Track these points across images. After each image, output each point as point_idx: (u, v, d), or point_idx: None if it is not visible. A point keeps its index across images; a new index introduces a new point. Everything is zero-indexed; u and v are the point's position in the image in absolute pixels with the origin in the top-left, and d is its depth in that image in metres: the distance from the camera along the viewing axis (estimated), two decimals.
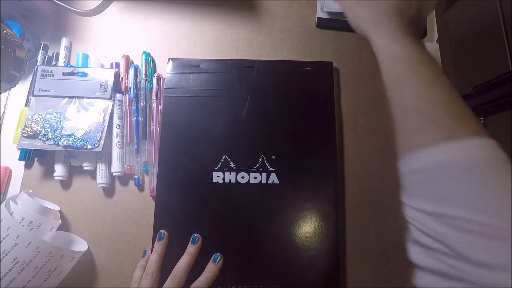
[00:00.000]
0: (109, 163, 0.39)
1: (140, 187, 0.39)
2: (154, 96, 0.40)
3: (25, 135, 0.37)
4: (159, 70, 0.43)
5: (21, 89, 0.41)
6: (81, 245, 0.37)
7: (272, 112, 0.40)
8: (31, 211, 0.34)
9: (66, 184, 0.39)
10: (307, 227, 0.36)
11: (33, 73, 0.40)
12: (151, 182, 0.39)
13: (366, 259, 0.37)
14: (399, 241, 0.38)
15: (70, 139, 0.37)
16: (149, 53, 0.43)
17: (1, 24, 0.34)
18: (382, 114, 0.41)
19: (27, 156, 0.38)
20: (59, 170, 0.38)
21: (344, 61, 0.43)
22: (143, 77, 0.41)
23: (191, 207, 0.37)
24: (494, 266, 0.18)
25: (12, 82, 0.35)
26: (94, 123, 0.38)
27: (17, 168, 0.40)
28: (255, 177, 0.37)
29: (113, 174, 0.39)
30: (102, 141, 0.37)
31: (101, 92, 0.39)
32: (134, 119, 0.40)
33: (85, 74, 0.39)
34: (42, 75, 0.39)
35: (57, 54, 0.42)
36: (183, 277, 0.34)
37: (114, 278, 0.37)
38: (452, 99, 0.24)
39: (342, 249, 0.37)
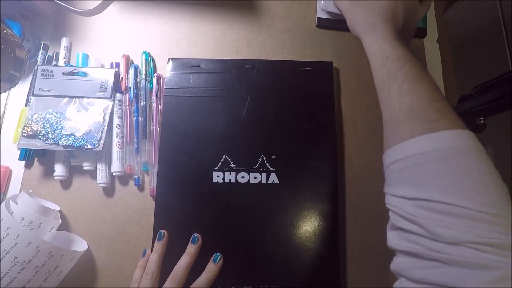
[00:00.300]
0: (109, 163, 0.39)
1: (140, 187, 0.39)
2: (154, 96, 0.40)
3: (25, 134, 0.37)
4: (159, 70, 0.43)
5: (21, 89, 0.41)
6: (81, 245, 0.37)
7: (272, 112, 0.40)
8: (31, 211, 0.34)
9: (66, 184, 0.39)
10: (307, 227, 0.36)
11: (33, 73, 0.40)
12: (151, 182, 0.39)
13: (366, 259, 0.37)
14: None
15: (70, 138, 0.37)
16: (149, 53, 0.43)
17: (1, 24, 0.34)
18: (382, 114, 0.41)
19: (27, 156, 0.38)
20: (59, 170, 0.38)
21: (344, 61, 0.43)
22: (143, 77, 0.41)
23: (191, 207, 0.37)
24: (460, 242, 0.19)
25: (12, 82, 0.35)
26: (94, 123, 0.38)
27: (17, 168, 0.40)
28: (255, 177, 0.37)
29: (113, 174, 0.39)
30: (102, 141, 0.37)
31: (101, 92, 0.39)
32: (134, 119, 0.40)
33: (85, 74, 0.39)
34: (42, 75, 0.39)
35: (57, 54, 0.42)
36: (183, 277, 0.34)
37: (114, 278, 0.37)
38: (435, 95, 0.25)
39: (342, 249, 0.37)
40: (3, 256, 0.31)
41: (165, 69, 0.41)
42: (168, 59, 0.42)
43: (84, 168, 0.38)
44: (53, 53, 0.42)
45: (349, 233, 0.38)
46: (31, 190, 0.38)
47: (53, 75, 0.39)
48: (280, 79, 0.41)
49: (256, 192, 0.37)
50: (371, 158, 0.40)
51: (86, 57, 0.42)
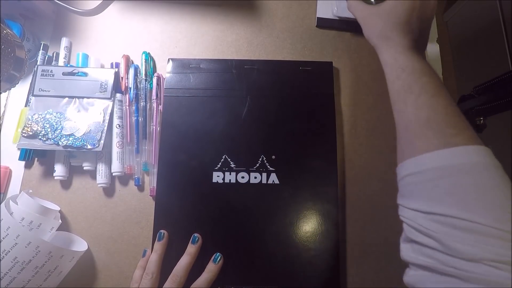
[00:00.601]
0: (109, 163, 0.39)
1: (140, 187, 0.39)
2: (154, 96, 0.40)
3: (25, 135, 0.37)
4: (159, 70, 0.43)
5: (21, 89, 0.41)
6: (81, 245, 0.37)
7: (272, 112, 0.40)
8: (31, 211, 0.34)
9: (66, 184, 0.39)
10: (307, 227, 0.36)
11: (33, 73, 0.40)
12: (151, 182, 0.39)
13: (366, 259, 0.37)
14: (399, 241, 0.38)
15: (70, 139, 0.37)
16: (149, 53, 0.43)
17: (1, 24, 0.34)
18: (382, 114, 0.41)
19: (27, 156, 0.38)
20: (59, 170, 0.38)
21: (344, 61, 0.43)
22: (143, 77, 0.41)
23: (191, 207, 0.37)
24: (478, 259, 0.19)
25: (12, 82, 0.35)
26: (94, 123, 0.38)
27: (17, 168, 0.40)
28: (255, 177, 0.37)
29: (113, 174, 0.39)
30: (102, 141, 0.37)
31: (101, 92, 0.39)
32: (134, 119, 0.40)
33: (85, 74, 0.39)
34: (42, 75, 0.39)
35: (57, 54, 0.42)
36: (183, 277, 0.34)
37: (114, 278, 0.37)
38: (452, 109, 0.25)
39: (342, 249, 0.37)
40: (3, 256, 0.31)
41: (165, 69, 0.41)
42: (168, 59, 0.42)
43: (84, 168, 0.38)
44: (53, 53, 0.42)
45: (349, 233, 0.38)
46: (31, 190, 0.38)
47: (53, 75, 0.39)
48: (280, 79, 0.41)
49: (256, 192, 0.37)
50: (371, 158, 0.40)
51: (86, 57, 0.42)
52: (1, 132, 0.41)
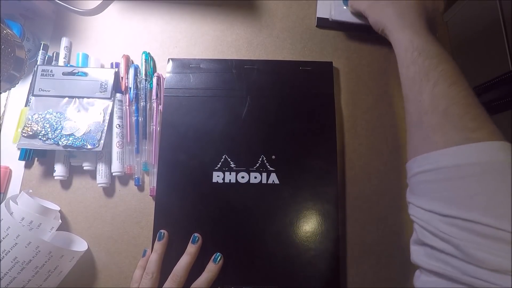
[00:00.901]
0: (109, 163, 0.39)
1: (140, 187, 0.39)
2: (154, 96, 0.40)
3: (25, 135, 0.37)
4: (159, 70, 0.43)
5: (21, 89, 0.41)
6: (81, 245, 0.37)
7: (272, 112, 0.40)
8: (31, 211, 0.34)
9: (66, 184, 0.39)
10: (307, 227, 0.36)
11: (33, 73, 0.40)
12: (151, 182, 0.39)
13: (366, 259, 0.37)
14: (399, 241, 0.38)
15: (70, 139, 0.37)
16: (149, 53, 0.43)
17: (1, 24, 0.34)
18: (382, 114, 0.41)
19: (27, 156, 0.38)
20: (59, 170, 0.38)
21: (344, 61, 0.43)
22: (143, 77, 0.41)
23: (191, 207, 0.37)
24: (504, 270, 0.18)
25: (12, 82, 0.35)
26: (94, 123, 0.38)
27: (17, 168, 0.40)
28: (255, 177, 0.37)
29: (113, 174, 0.39)
30: (102, 141, 0.37)
31: (101, 92, 0.39)
32: (134, 119, 0.40)
33: (85, 74, 0.39)
34: (42, 75, 0.39)
35: (57, 54, 0.42)
36: (183, 277, 0.34)
37: (114, 278, 0.37)
38: (472, 100, 0.23)
39: (342, 249, 0.37)
40: (3, 256, 0.31)
41: (165, 69, 0.41)
42: (168, 59, 0.42)
43: (84, 168, 0.38)
44: (53, 53, 0.42)
45: (349, 233, 0.38)
46: (31, 190, 0.38)
47: (53, 75, 0.39)
48: (280, 79, 0.41)
49: (256, 192, 0.37)
50: (371, 158, 0.40)
51: (86, 57, 0.42)
52: (1, 132, 0.41)
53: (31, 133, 0.37)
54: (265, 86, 0.40)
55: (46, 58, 0.42)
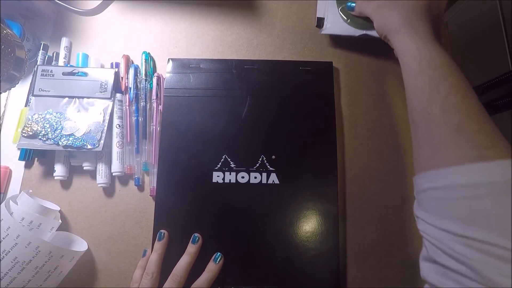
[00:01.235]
0: (109, 163, 0.39)
1: (140, 187, 0.39)
2: (154, 96, 0.40)
3: (25, 135, 0.37)
4: (159, 70, 0.43)
5: (21, 89, 0.41)
6: (81, 245, 0.37)
7: (272, 112, 0.40)
8: (31, 211, 0.34)
9: (66, 184, 0.39)
10: (307, 227, 0.36)
11: (33, 73, 0.40)
12: (151, 182, 0.39)
13: (366, 259, 0.37)
14: (399, 241, 0.38)
15: (70, 139, 0.37)
16: (149, 53, 0.43)
17: (1, 24, 0.34)
18: (382, 114, 0.41)
19: (27, 156, 0.38)
20: (59, 170, 0.38)
21: (344, 61, 0.43)
22: (143, 77, 0.41)
23: (191, 207, 0.37)
24: None
25: (12, 82, 0.35)
26: (94, 123, 0.38)
27: (17, 168, 0.40)
28: (255, 177, 0.37)
29: (113, 174, 0.39)
30: (102, 141, 0.37)
31: (101, 92, 0.39)
32: (134, 119, 0.40)
33: (85, 74, 0.39)
34: (42, 75, 0.39)
35: (57, 54, 0.42)
36: (183, 277, 0.34)
37: (114, 278, 0.37)
38: (484, 114, 0.22)
39: (342, 249, 0.37)
40: (3, 257, 0.31)
41: (165, 69, 0.41)
42: (168, 59, 0.42)
43: (84, 168, 0.38)
44: (53, 53, 0.42)
45: (349, 233, 0.38)
46: (31, 190, 0.38)
47: (53, 75, 0.39)
48: (280, 79, 0.41)
49: (256, 192, 0.37)
50: (371, 158, 0.40)
51: (86, 57, 0.42)
52: (1, 132, 0.41)
53: (31, 133, 0.37)
54: (265, 86, 0.40)
55: (46, 58, 0.42)
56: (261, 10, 0.45)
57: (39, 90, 0.39)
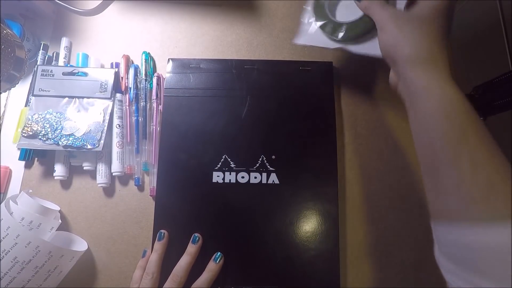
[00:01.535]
0: (109, 163, 0.39)
1: (140, 187, 0.39)
2: (154, 96, 0.40)
3: (25, 135, 0.37)
4: (159, 70, 0.43)
5: (21, 89, 0.41)
6: (81, 245, 0.37)
7: (272, 112, 0.40)
8: (31, 211, 0.34)
9: (66, 184, 0.39)
10: (307, 227, 0.36)
11: (33, 73, 0.40)
12: (151, 182, 0.39)
13: (366, 259, 0.37)
14: (399, 241, 0.38)
15: (70, 139, 0.37)
16: (149, 53, 0.43)
17: (1, 24, 0.34)
18: (382, 114, 0.41)
19: (27, 156, 0.38)
20: (59, 170, 0.38)
21: (344, 61, 0.43)
22: (143, 77, 0.41)
23: (191, 207, 0.37)
24: None
25: (12, 82, 0.35)
26: (94, 123, 0.38)
27: (17, 168, 0.40)
28: (255, 177, 0.37)
29: (113, 174, 0.39)
30: (102, 141, 0.37)
31: (101, 92, 0.39)
32: (134, 119, 0.40)
33: (85, 74, 0.39)
34: (42, 75, 0.39)
35: (57, 54, 0.42)
36: (183, 277, 0.34)
37: (114, 278, 0.37)
38: (510, 168, 0.21)
39: (342, 249, 0.37)
40: (3, 256, 0.31)
41: (165, 69, 0.41)
42: (168, 59, 0.42)
43: (84, 168, 0.38)
44: (53, 53, 0.42)
45: (349, 233, 0.38)
46: (31, 190, 0.38)
47: (53, 75, 0.39)
48: (280, 79, 0.41)
49: (256, 192, 0.37)
50: (371, 158, 0.40)
51: (86, 57, 0.42)
52: (1, 132, 0.41)
53: (31, 133, 0.37)
54: (265, 86, 0.40)
55: (46, 58, 0.42)
56: (261, 10, 0.45)
57: (39, 90, 0.39)
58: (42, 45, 0.42)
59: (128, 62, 0.42)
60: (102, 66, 0.43)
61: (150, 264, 0.34)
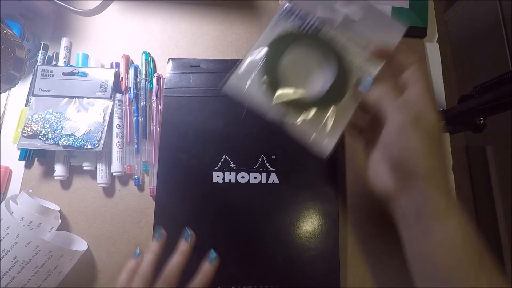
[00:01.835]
0: (109, 163, 0.39)
1: (140, 187, 0.39)
2: (154, 96, 0.40)
3: (25, 135, 0.37)
4: (159, 70, 0.43)
5: (21, 89, 0.41)
6: (81, 245, 0.37)
7: None
8: (31, 211, 0.34)
9: (66, 184, 0.39)
10: (307, 227, 0.36)
11: (33, 73, 0.40)
12: (151, 182, 0.39)
13: (367, 259, 0.37)
14: (399, 241, 0.38)
15: (70, 139, 0.37)
16: (149, 53, 0.43)
17: (1, 24, 0.34)
18: None
19: (27, 156, 0.38)
20: (59, 170, 0.38)
21: None
22: (143, 77, 0.41)
23: (191, 207, 0.37)
24: None
25: (12, 82, 0.35)
26: (94, 123, 0.38)
27: (17, 168, 0.40)
28: (255, 177, 0.37)
29: (113, 174, 0.39)
30: (102, 141, 0.37)
31: (101, 92, 0.39)
32: (134, 119, 0.40)
33: (85, 74, 0.39)
34: (42, 75, 0.39)
35: (57, 54, 0.42)
36: (176, 278, 0.31)
37: (114, 278, 0.37)
38: None
39: (342, 249, 0.37)
40: (3, 256, 0.31)
41: (165, 69, 0.41)
42: (168, 59, 0.42)
43: (84, 168, 0.38)
44: (53, 53, 0.42)
45: (349, 233, 0.38)
46: (31, 190, 0.38)
47: (53, 75, 0.39)
48: None
49: (256, 192, 0.37)
50: None
51: (86, 57, 0.42)
52: (1, 132, 0.41)
53: (31, 133, 0.37)
54: None
55: (46, 58, 0.42)
56: (261, 10, 0.45)
57: (39, 90, 0.39)
58: (42, 45, 0.42)
59: (128, 62, 0.42)
60: (102, 66, 0.43)
61: (145, 264, 0.31)
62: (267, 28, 0.27)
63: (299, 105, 0.26)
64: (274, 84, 0.26)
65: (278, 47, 0.27)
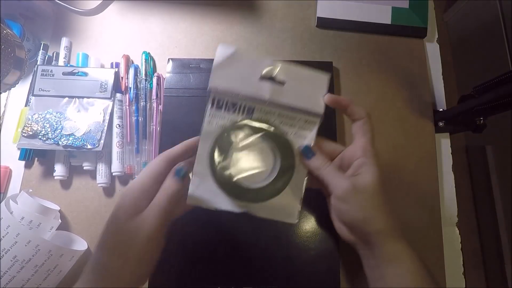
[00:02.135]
0: (109, 163, 0.39)
1: None
2: (154, 96, 0.40)
3: (25, 134, 0.37)
4: (159, 70, 0.43)
5: (21, 89, 0.42)
6: (80, 245, 0.37)
7: None
8: (31, 211, 0.34)
9: (66, 183, 0.39)
10: (307, 227, 0.36)
11: (33, 73, 0.40)
12: None
13: None
14: None
15: (70, 138, 0.37)
16: (149, 53, 0.43)
17: (1, 24, 0.34)
18: (382, 114, 0.41)
19: (27, 155, 0.38)
20: (59, 170, 0.38)
21: (344, 61, 0.43)
22: (143, 77, 0.41)
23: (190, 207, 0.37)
24: None
25: (12, 82, 0.35)
26: (94, 123, 0.38)
27: (17, 167, 0.40)
28: None
29: (113, 174, 0.39)
30: (102, 141, 0.37)
31: (101, 92, 0.39)
32: (134, 119, 0.40)
33: (85, 74, 0.40)
34: (42, 75, 0.39)
35: (57, 54, 0.42)
36: (168, 205, 0.26)
37: None
38: None
39: (342, 249, 0.37)
40: (3, 255, 0.31)
41: (165, 69, 0.41)
42: (168, 59, 0.42)
43: (84, 168, 0.38)
44: (53, 53, 0.42)
45: None
46: (31, 190, 0.38)
47: (53, 75, 0.39)
48: None
49: None
50: None
51: (86, 57, 0.42)
52: (1, 132, 0.41)
53: (31, 133, 0.37)
54: None
55: (46, 58, 0.42)
56: (261, 10, 0.45)
57: (39, 90, 0.39)
58: (42, 45, 0.42)
59: (128, 62, 0.42)
60: (102, 66, 0.43)
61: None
62: (203, 123, 0.29)
63: (257, 195, 0.28)
64: (229, 179, 0.27)
65: (220, 144, 0.28)
